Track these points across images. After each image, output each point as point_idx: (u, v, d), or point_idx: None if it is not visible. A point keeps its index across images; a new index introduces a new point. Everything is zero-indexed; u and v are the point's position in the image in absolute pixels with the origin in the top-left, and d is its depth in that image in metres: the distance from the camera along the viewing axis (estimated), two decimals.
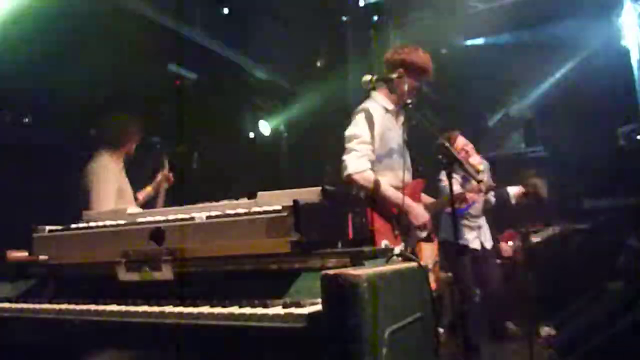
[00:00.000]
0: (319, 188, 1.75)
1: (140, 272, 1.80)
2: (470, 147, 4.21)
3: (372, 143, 2.78)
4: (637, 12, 5.79)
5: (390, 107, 2.97)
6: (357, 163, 2.70)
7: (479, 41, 7.32)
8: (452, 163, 2.42)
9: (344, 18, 6.66)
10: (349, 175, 2.70)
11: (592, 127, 6.93)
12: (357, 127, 2.82)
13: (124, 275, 1.83)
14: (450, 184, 2.47)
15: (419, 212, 2.73)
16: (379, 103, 2.96)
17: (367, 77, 2.85)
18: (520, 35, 7.12)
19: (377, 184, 2.71)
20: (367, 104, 2.95)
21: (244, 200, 1.91)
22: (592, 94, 6.72)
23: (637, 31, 5.71)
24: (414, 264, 1.69)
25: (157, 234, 1.78)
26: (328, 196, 1.76)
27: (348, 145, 2.82)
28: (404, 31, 6.46)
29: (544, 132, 7.57)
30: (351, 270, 1.29)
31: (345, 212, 1.93)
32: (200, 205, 1.98)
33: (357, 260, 1.63)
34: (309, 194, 1.74)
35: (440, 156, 2.48)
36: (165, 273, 1.76)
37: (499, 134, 7.56)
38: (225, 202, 1.93)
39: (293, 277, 1.63)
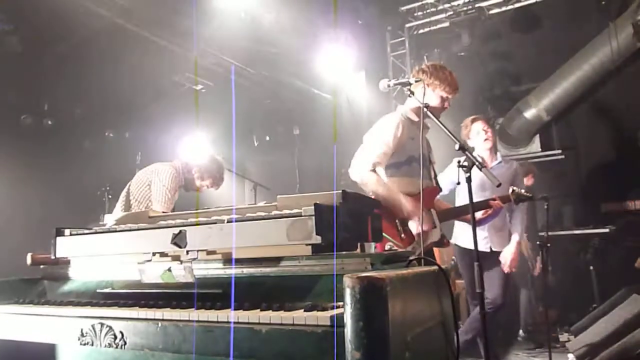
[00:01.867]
0: (339, 191, 1.75)
1: (163, 275, 1.81)
2: (489, 132, 4.08)
3: (389, 153, 2.84)
4: None
5: (416, 119, 3.00)
6: (366, 165, 2.77)
7: (493, 42, 7.30)
8: (472, 167, 2.41)
9: None
10: (358, 174, 2.78)
11: (610, 130, 6.85)
12: (379, 136, 2.89)
13: (146, 277, 1.85)
14: (470, 189, 2.46)
15: (409, 209, 2.72)
16: (404, 114, 3.02)
17: (385, 81, 2.86)
18: (535, 36, 7.08)
19: (370, 181, 2.76)
20: (395, 114, 3.03)
21: (265, 204, 1.93)
22: (611, 97, 6.65)
23: None
24: (434, 268, 1.68)
25: (178, 237, 1.79)
26: (348, 199, 1.76)
27: (366, 147, 2.89)
28: None
29: (561, 136, 7.48)
30: (374, 274, 1.28)
31: (365, 215, 1.93)
32: (222, 208, 2.00)
33: (378, 263, 1.63)
34: (329, 197, 1.74)
35: (459, 160, 2.46)
36: (187, 276, 1.77)
37: (514, 137, 7.47)
38: (246, 205, 1.94)
39: (314, 280, 1.63)
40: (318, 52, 6.68)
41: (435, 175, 3.13)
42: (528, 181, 5.79)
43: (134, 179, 3.65)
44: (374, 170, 2.78)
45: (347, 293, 1.25)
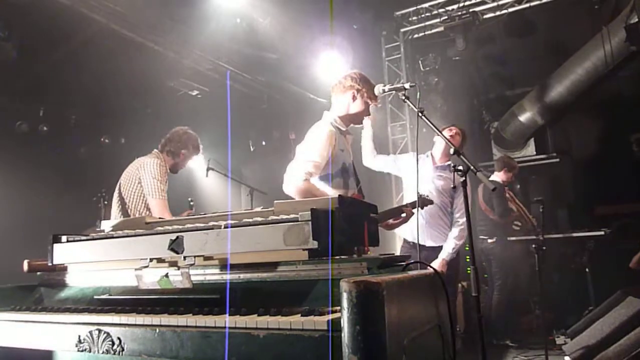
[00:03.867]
0: (335, 196, 1.76)
1: (160, 281, 1.82)
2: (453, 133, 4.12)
3: (322, 163, 2.76)
4: None
5: (343, 128, 2.99)
6: (299, 175, 2.66)
7: (488, 46, 7.36)
8: (467, 172, 2.43)
9: None
10: (292, 185, 2.67)
11: (605, 133, 6.90)
12: (310, 146, 2.80)
13: (143, 283, 1.85)
14: (466, 193, 2.48)
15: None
16: (333, 124, 2.95)
17: (379, 86, 2.89)
18: (529, 40, 7.14)
19: (319, 193, 2.69)
20: (324, 123, 2.94)
21: (262, 209, 1.94)
22: (605, 100, 6.71)
23: None
24: (430, 272, 1.69)
25: (175, 243, 1.80)
26: (344, 204, 1.77)
27: (298, 158, 2.80)
28: None
29: (555, 139, 7.53)
30: (370, 278, 1.30)
31: (361, 219, 1.94)
32: (218, 213, 2.01)
33: (375, 267, 1.65)
34: (325, 202, 1.75)
35: (454, 165, 2.48)
36: (185, 281, 1.78)
37: (509, 141, 7.52)
38: (243, 210, 1.95)
39: (311, 284, 1.64)
40: (314, 57, 6.70)
41: (359, 183, 3.07)
42: (503, 176, 5.80)
43: (122, 178, 3.66)
44: (307, 180, 2.68)
45: (344, 297, 1.27)
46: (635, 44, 5.78)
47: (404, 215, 3.23)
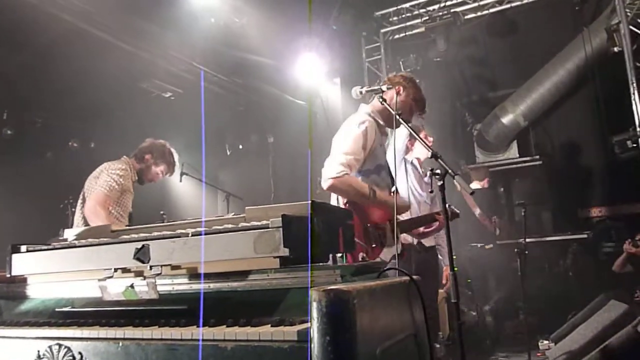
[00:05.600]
0: (309, 202, 1.76)
1: (125, 292, 1.79)
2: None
3: (361, 158, 2.75)
4: (629, 17, 5.89)
5: (382, 122, 2.98)
6: (336, 168, 2.64)
7: (469, 47, 7.45)
8: (445, 175, 2.44)
9: None
10: (328, 180, 2.64)
11: (588, 135, 7.01)
12: (349, 138, 2.77)
13: (108, 295, 1.82)
14: (444, 197, 2.49)
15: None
16: (372, 116, 2.94)
17: (357, 88, 2.89)
18: (511, 41, 7.24)
19: (358, 187, 2.68)
20: (363, 116, 2.91)
21: (232, 216, 1.92)
22: (588, 102, 6.82)
23: (629, 37, 5.80)
24: (406, 279, 1.69)
25: (141, 252, 1.77)
26: (318, 210, 1.76)
27: (334, 152, 2.77)
28: None
29: (538, 141, 7.64)
30: (341, 286, 1.29)
31: (336, 226, 1.94)
32: (187, 221, 1.99)
33: (348, 275, 1.64)
34: (299, 208, 1.75)
35: (431, 169, 2.49)
36: (151, 292, 1.75)
37: (492, 143, 7.60)
38: (212, 217, 1.93)
39: (283, 293, 1.63)
40: (292, 58, 6.71)
41: (394, 184, 3.05)
42: (486, 184, 5.93)
43: (85, 185, 3.62)
44: (346, 174, 2.66)
45: (314, 307, 1.26)
46: (616, 45, 5.90)
47: (437, 223, 3.24)
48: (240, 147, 8.14)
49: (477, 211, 5.67)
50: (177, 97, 7.15)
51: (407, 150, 4.19)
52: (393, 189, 2.85)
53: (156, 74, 6.56)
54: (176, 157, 3.95)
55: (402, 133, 3.94)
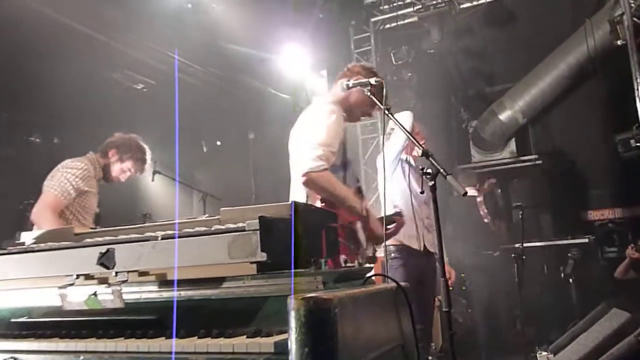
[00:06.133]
0: (288, 202, 1.75)
1: (87, 300, 1.77)
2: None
3: (336, 151, 2.66)
4: (633, 8, 5.96)
5: (343, 114, 2.91)
6: (315, 161, 2.53)
7: (465, 38, 7.49)
8: (436, 175, 2.45)
9: None
10: (308, 174, 2.52)
11: (589, 133, 7.08)
12: (322, 129, 2.65)
13: (68, 304, 1.80)
14: (435, 199, 2.50)
15: (378, 223, 2.69)
16: (339, 109, 2.85)
17: (342, 81, 2.89)
18: (509, 32, 7.30)
19: (338, 185, 2.60)
20: (329, 106, 2.82)
21: (206, 218, 1.91)
22: (590, 98, 6.90)
23: (633, 30, 5.87)
24: (392, 286, 1.69)
25: (106, 256, 1.75)
26: (299, 211, 1.76)
27: (307, 144, 2.63)
28: None
29: (538, 139, 7.71)
30: (321, 294, 1.29)
31: (318, 229, 1.93)
32: (156, 223, 1.97)
33: (331, 282, 1.64)
34: (278, 210, 1.74)
35: (422, 168, 2.50)
36: (116, 300, 1.73)
37: (489, 141, 7.66)
38: (184, 219, 1.92)
39: (260, 302, 1.62)
40: (275, 48, 6.69)
41: (359, 182, 3.02)
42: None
43: (44, 184, 3.56)
44: (326, 169, 2.55)
45: (292, 316, 1.25)
46: (619, 38, 5.96)
47: (393, 225, 3.15)
48: (218, 143, 8.10)
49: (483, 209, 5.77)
50: (150, 89, 7.09)
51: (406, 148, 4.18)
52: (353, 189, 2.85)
53: (127, 64, 6.50)
54: (148, 153, 3.88)
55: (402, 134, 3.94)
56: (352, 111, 2.95)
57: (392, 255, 4.09)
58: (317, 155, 2.54)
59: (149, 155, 3.88)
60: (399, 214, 3.23)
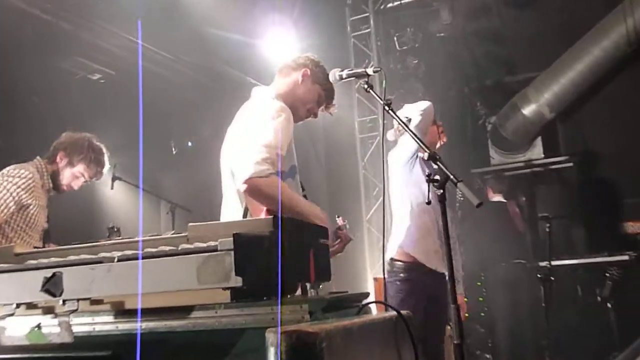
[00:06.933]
0: (269, 217, 1.76)
1: (30, 334, 1.77)
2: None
3: (282, 154, 2.69)
4: None
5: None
6: (260, 165, 2.53)
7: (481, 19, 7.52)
8: (445, 182, 2.46)
9: None
10: (250, 180, 2.52)
11: (629, 129, 7.12)
12: (268, 128, 2.68)
13: (7, 338, 1.80)
14: (444, 210, 2.51)
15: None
16: (285, 106, 2.88)
17: (335, 71, 2.93)
18: (533, 12, 7.33)
19: (290, 194, 2.62)
20: (276, 102, 2.86)
21: (171, 235, 1.91)
22: (629, 89, 6.93)
23: None
24: (392, 314, 1.70)
25: (52, 281, 1.75)
26: (282, 226, 1.76)
27: (249, 145, 2.65)
28: None
29: (568, 138, 7.75)
30: (306, 327, 1.29)
31: (305, 247, 1.94)
32: (111, 242, 1.97)
33: (319, 311, 1.64)
34: (257, 225, 1.75)
35: (428, 174, 2.51)
36: (63, 334, 1.73)
37: (510, 140, 7.70)
38: (146, 237, 1.91)
39: (235, 334, 1.63)
40: (258, 31, 6.72)
41: (304, 190, 3.05)
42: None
43: None
44: (272, 174, 2.55)
45: (271, 353, 1.26)
46: None
47: (338, 241, 3.11)
48: (190, 144, 8.10)
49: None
50: (108, 80, 7.08)
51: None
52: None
53: (81, 51, 6.50)
54: (104, 154, 3.86)
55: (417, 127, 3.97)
56: (297, 109, 2.99)
57: (401, 275, 4.10)
58: (262, 158, 2.55)
59: (106, 157, 3.86)
60: (340, 229, 3.20)
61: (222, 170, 3.01)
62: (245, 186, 2.54)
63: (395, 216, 4.36)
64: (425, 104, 4.14)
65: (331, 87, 3.11)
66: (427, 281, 3.99)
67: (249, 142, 2.65)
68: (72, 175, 3.71)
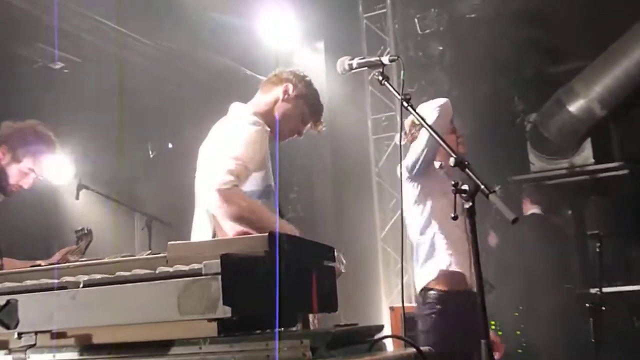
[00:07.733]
0: (264, 235, 1.76)
1: None
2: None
3: (251, 168, 2.88)
4: None
5: (268, 129, 3.12)
6: (225, 176, 2.72)
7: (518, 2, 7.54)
8: (475, 193, 2.45)
9: None
10: (211, 192, 2.72)
11: None
12: (238, 140, 2.91)
13: None
14: (473, 226, 2.50)
15: None
16: (258, 122, 3.07)
17: (344, 60, 2.95)
18: None
19: (256, 207, 2.81)
20: (251, 117, 3.08)
21: (147, 255, 1.91)
22: None
23: None
24: (411, 351, 1.70)
25: (5, 311, 1.76)
26: (280, 245, 1.77)
27: (217, 157, 2.89)
28: None
29: (623, 140, 7.74)
30: None
31: (307, 270, 1.95)
32: (78, 263, 1.97)
33: (323, 347, 1.65)
34: (248, 243, 1.76)
35: (455, 183, 2.50)
36: None
37: (554, 142, 7.70)
38: (116, 258, 1.92)
39: None
40: (252, 13, 6.74)
41: (288, 213, 3.24)
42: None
43: None
44: (235, 187, 2.74)
45: None
46: None
47: None
48: (170, 146, 8.12)
49: None
50: (74, 69, 7.11)
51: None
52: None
53: (41, 36, 6.54)
54: (53, 142, 3.77)
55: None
56: (279, 127, 3.20)
57: (437, 307, 4.11)
58: (228, 169, 2.74)
59: (56, 145, 3.81)
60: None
61: (195, 186, 3.17)
62: (209, 198, 2.76)
63: (411, 235, 4.40)
64: (442, 100, 4.17)
65: (318, 103, 3.32)
66: (461, 308, 3.98)
67: (219, 155, 2.89)
68: (20, 172, 3.66)
